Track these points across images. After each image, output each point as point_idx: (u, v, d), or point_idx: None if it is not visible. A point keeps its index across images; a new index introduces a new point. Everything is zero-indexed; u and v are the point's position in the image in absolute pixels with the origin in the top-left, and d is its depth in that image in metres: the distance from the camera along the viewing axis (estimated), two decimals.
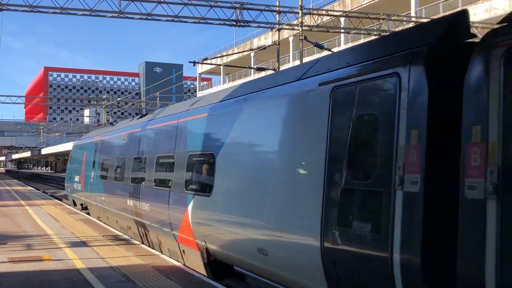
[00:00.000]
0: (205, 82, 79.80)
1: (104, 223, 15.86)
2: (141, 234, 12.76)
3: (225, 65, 47.00)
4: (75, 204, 21.79)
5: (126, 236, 12.87)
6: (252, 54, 57.19)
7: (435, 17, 29.84)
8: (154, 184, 11.31)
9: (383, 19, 31.03)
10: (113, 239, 12.26)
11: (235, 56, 58.47)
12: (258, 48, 29.73)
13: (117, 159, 14.66)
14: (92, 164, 17.74)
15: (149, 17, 25.40)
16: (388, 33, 22.81)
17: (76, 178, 20.50)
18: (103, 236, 12.82)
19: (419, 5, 40.42)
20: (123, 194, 13.55)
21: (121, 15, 24.68)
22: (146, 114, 14.15)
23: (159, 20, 26.02)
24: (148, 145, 12.38)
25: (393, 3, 40.69)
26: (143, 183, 12.02)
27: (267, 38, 53.66)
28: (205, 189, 8.82)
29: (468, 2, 34.69)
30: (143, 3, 24.97)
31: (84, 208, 19.81)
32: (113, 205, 14.83)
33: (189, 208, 9.17)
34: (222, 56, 44.28)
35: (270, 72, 27.23)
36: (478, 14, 32.11)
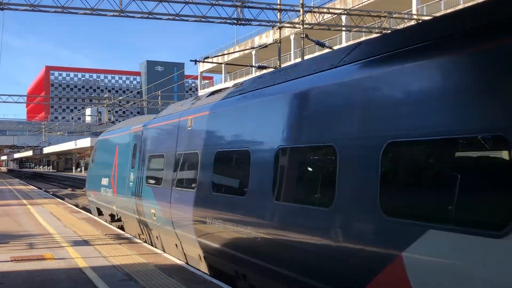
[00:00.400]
0: (206, 81, 79.89)
1: (151, 244, 12.20)
2: (233, 272, 8.29)
3: (227, 64, 46.96)
4: (100, 214, 17.66)
5: (128, 235, 12.88)
6: (253, 53, 57.21)
7: (436, 14, 29.78)
8: (275, 197, 6.70)
9: (384, 16, 31.02)
10: (115, 238, 12.26)
11: (236, 55, 58.60)
12: (259, 47, 29.72)
13: (178, 154, 10.30)
14: (131, 162, 13.63)
15: (150, 16, 25.44)
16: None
17: (104, 181, 16.22)
18: (105, 234, 12.84)
19: (420, 3, 40.42)
20: (198, 208, 9.11)
21: (122, 14, 24.71)
22: (221, 90, 9.89)
23: (160, 18, 26.12)
24: (259, 132, 7.44)
25: (394, 1, 40.67)
26: (247, 193, 7.44)
27: (268, 36, 53.72)
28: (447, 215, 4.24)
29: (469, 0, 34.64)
30: (144, 2, 25.06)
31: (117, 220, 15.72)
32: (177, 223, 10.31)
33: (406, 254, 4.52)
34: (223, 55, 44.30)
35: (270, 70, 27.16)
36: None
